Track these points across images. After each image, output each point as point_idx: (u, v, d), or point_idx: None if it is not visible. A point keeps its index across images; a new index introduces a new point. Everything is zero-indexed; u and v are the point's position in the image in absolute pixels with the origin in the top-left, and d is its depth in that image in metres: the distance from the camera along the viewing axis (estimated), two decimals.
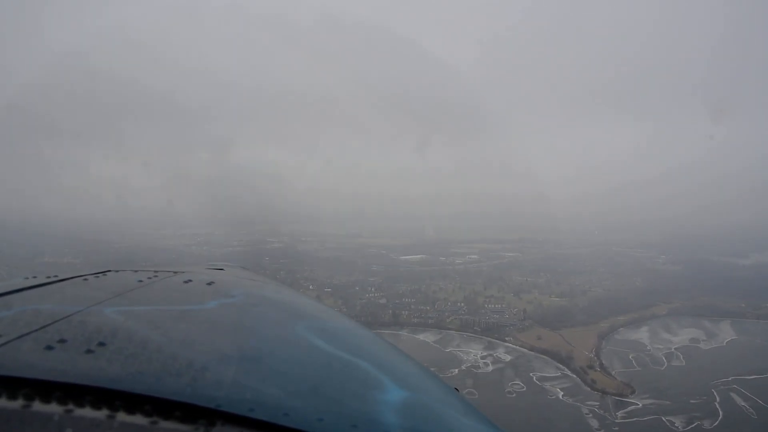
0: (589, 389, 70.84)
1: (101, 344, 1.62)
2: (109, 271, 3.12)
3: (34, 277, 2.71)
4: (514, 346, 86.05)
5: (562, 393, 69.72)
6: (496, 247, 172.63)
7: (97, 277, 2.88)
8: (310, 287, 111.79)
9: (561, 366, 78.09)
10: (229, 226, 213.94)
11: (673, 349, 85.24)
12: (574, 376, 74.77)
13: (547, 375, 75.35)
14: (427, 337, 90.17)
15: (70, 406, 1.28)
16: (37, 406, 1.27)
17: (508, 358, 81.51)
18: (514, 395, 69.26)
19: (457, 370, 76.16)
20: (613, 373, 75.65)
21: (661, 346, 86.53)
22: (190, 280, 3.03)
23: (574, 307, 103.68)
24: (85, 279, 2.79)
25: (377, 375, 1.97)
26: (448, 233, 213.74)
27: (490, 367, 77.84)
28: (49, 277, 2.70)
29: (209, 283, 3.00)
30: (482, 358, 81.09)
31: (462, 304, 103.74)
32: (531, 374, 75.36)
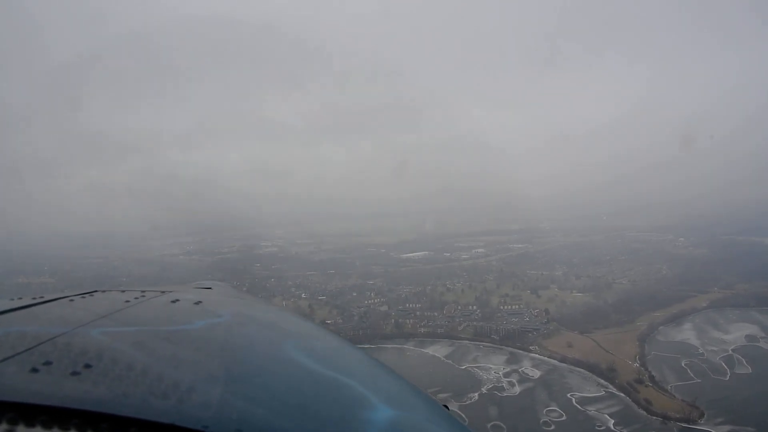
0: (645, 413, 53.97)
1: (87, 366, 1.55)
2: (96, 291, 2.94)
3: (20, 298, 2.57)
4: (542, 357, 69.10)
5: (613, 421, 52.76)
6: (502, 239, 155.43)
7: (84, 297, 2.71)
8: (303, 295, 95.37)
9: (603, 381, 61.14)
10: (220, 232, 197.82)
11: (730, 351, 68.27)
12: (623, 395, 57.84)
13: (589, 395, 58.37)
14: (437, 350, 73.15)
15: (56, 430, 1.24)
16: (22, 430, 1.22)
17: (536, 373, 64.48)
18: (552, 428, 52.31)
19: (477, 394, 59.25)
20: (668, 388, 58.71)
21: (715, 348, 69.50)
22: (178, 300, 2.83)
23: (602, 303, 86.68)
24: (72, 300, 2.63)
25: (364, 394, 1.87)
26: (449, 227, 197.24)
27: (517, 388, 60.84)
28: (34, 298, 2.55)
29: (197, 303, 2.81)
30: (506, 375, 64.08)
31: (474, 307, 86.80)
32: (569, 395, 58.36)
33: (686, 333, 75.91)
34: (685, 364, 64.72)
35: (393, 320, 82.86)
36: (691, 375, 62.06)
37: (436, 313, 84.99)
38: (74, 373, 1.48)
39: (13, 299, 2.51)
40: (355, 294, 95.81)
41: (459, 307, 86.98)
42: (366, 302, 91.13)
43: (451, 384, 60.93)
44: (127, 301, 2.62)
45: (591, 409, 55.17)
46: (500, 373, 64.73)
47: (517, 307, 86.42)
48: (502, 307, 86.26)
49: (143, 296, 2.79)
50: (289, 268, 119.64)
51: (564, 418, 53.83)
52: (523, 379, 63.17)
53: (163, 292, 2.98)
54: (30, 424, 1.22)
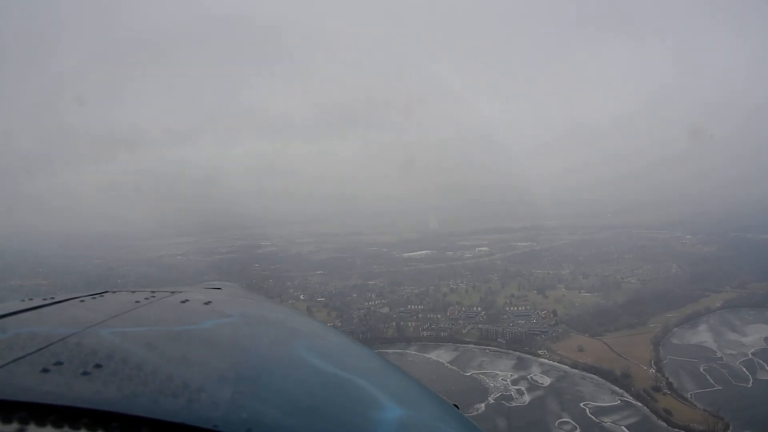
0: (665, 425, 49.60)
1: (98, 366, 1.55)
2: (107, 291, 2.92)
3: (30, 299, 2.54)
4: (552, 362, 64.79)
5: None
6: (506, 237, 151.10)
7: (94, 298, 2.71)
8: (301, 297, 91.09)
9: (618, 389, 56.84)
10: (221, 231, 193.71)
11: (750, 355, 63.92)
12: (640, 404, 53.47)
13: (604, 405, 54.04)
14: (441, 355, 68.87)
15: (66, 429, 1.23)
16: (33, 429, 1.21)
17: (547, 381, 60.18)
18: None
19: (483, 404, 55.03)
20: (688, 396, 54.35)
21: (733, 352, 65.11)
22: (187, 300, 2.80)
23: (612, 304, 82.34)
24: (82, 300, 2.63)
25: (374, 393, 1.86)
26: (451, 225, 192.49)
27: (526, 397, 56.55)
28: (45, 299, 2.54)
29: (206, 303, 2.79)
30: (514, 383, 59.78)
31: (479, 309, 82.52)
32: (582, 405, 54.05)
33: (702, 335, 71.54)
34: (703, 370, 60.45)
35: (394, 323, 78.62)
36: (712, 381, 57.71)
37: (439, 315, 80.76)
38: (85, 373, 1.48)
39: (23, 300, 2.45)
40: (355, 295, 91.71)
41: (463, 309, 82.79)
42: (366, 304, 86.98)
43: (456, 393, 56.29)
44: (137, 302, 2.58)
45: (607, 421, 50.87)
46: (508, 380, 60.46)
47: (523, 308, 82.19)
48: (507, 309, 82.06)
49: (153, 296, 2.75)
50: (289, 268, 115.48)
51: (578, 431, 49.54)
52: (533, 386, 58.84)
53: (172, 292, 2.93)
54: (41, 423, 1.22)
